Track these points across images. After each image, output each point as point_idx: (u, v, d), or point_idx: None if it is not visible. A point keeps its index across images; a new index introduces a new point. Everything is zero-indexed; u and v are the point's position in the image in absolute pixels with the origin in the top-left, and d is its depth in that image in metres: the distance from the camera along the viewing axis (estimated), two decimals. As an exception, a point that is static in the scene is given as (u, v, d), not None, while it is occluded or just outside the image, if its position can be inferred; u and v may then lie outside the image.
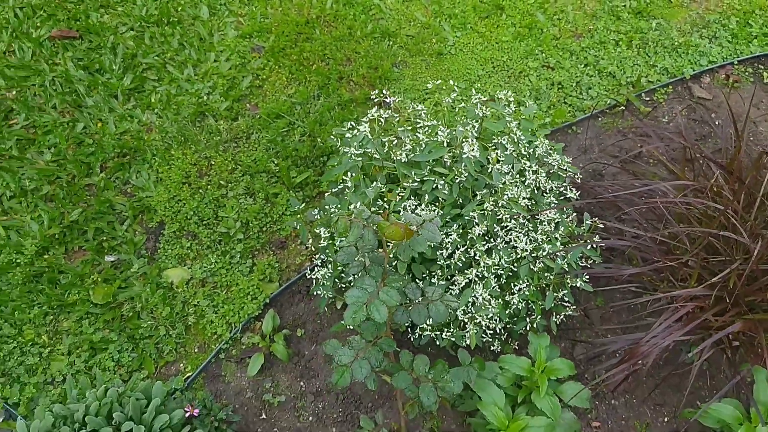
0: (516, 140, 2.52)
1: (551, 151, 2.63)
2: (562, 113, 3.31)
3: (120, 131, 3.21)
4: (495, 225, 2.37)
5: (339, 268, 2.48)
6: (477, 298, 2.29)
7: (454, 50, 3.60)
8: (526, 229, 2.40)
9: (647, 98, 3.46)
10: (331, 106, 3.36)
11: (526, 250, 2.35)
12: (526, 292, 2.39)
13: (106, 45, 3.48)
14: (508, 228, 2.38)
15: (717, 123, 3.39)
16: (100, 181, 3.03)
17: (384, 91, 3.20)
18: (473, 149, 2.33)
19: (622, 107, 3.41)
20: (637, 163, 3.22)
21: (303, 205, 2.68)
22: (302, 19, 3.67)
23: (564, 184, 2.58)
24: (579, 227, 2.52)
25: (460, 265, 2.38)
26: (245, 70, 3.48)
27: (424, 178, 2.44)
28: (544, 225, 2.42)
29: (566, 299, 2.48)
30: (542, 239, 2.39)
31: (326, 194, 2.62)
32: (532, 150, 2.59)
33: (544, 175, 2.52)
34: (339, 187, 2.63)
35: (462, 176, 2.38)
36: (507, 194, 2.35)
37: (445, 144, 2.39)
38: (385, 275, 1.99)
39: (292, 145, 3.20)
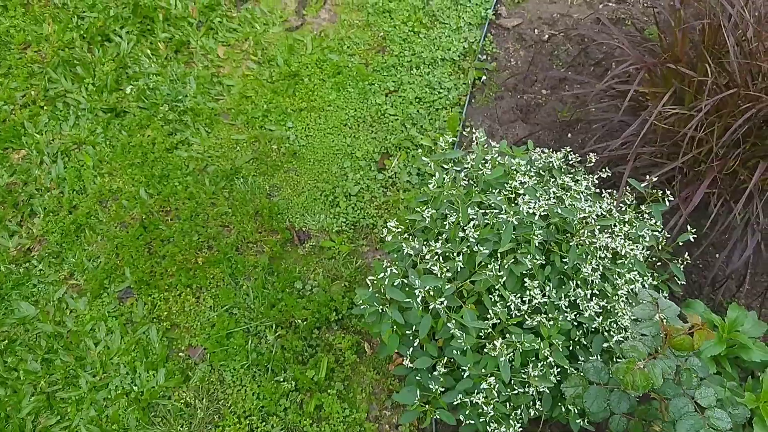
0: (526, 171, 2.30)
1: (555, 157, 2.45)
2: (455, 121, 3.13)
3: None
4: (593, 258, 2.16)
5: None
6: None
7: (303, 140, 3.18)
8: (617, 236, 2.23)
9: (483, 57, 3.43)
10: (263, 282, 2.77)
11: (629, 257, 2.18)
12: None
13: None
14: (605, 248, 2.19)
15: (546, 38, 3.50)
16: None
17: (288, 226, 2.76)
18: (540, 206, 2.07)
19: (479, 78, 3.34)
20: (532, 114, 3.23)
21: (415, 405, 2.15)
22: (134, 229, 2.92)
23: (590, 175, 2.43)
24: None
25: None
26: (140, 323, 2.69)
27: (505, 266, 2.12)
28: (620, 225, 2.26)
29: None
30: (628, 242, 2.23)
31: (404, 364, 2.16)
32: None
33: (572, 178, 2.35)
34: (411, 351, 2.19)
35: (538, 237, 2.10)
36: (593, 219, 2.14)
37: (513, 223, 2.06)
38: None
39: (276, 351, 2.58)
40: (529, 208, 2.07)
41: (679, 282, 2.34)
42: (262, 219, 2.94)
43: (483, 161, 2.33)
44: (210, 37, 3.55)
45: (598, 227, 2.15)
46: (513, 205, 2.16)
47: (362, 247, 2.87)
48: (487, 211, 2.23)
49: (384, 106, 3.25)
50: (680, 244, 2.30)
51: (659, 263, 2.41)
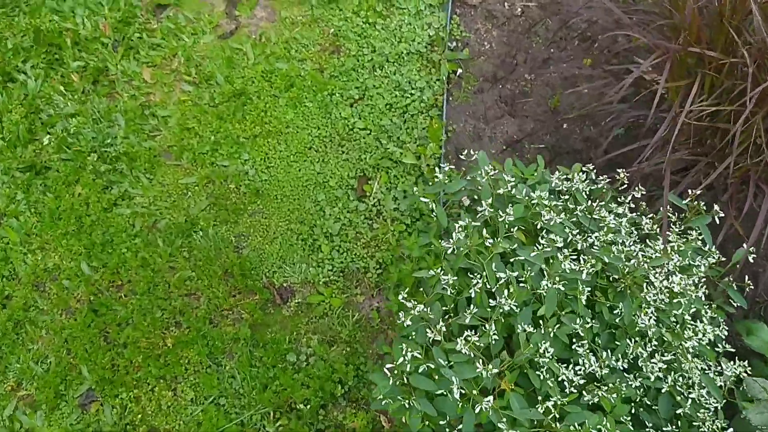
0: (550, 205, 1.93)
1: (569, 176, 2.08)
2: (437, 129, 2.71)
3: None
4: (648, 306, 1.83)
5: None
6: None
7: (264, 174, 2.73)
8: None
9: (453, 44, 2.99)
10: (249, 358, 2.36)
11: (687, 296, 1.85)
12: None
13: None
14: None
15: (519, 12, 3.07)
16: None
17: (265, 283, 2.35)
18: (588, 262, 1.70)
19: (454, 72, 2.91)
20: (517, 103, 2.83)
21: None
22: (82, 315, 2.46)
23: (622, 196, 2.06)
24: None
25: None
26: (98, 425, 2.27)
27: (549, 333, 1.76)
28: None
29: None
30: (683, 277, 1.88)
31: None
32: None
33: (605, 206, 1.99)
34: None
35: (584, 294, 1.75)
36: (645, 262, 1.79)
37: (557, 289, 1.70)
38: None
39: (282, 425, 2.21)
40: (574, 265, 1.71)
41: (735, 305, 2.03)
42: (233, 279, 2.51)
43: (497, 196, 1.95)
44: (131, 59, 3.01)
45: (652, 270, 1.81)
46: (550, 260, 1.79)
47: (356, 296, 2.48)
48: (512, 260, 1.87)
49: (351, 119, 2.81)
50: (738, 266, 1.98)
51: (705, 281, 2.09)
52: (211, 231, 2.60)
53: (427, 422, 1.83)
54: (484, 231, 1.85)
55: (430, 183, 2.55)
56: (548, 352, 1.72)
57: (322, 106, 2.84)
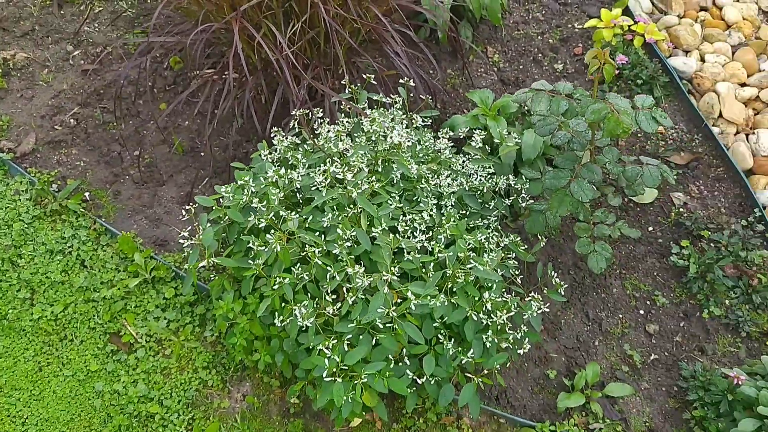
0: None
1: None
2: (126, 242, 2.56)
3: None
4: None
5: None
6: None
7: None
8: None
9: (55, 186, 2.82)
10: None
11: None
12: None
13: None
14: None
15: (73, 122, 3.02)
16: None
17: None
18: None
19: (83, 200, 2.76)
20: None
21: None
22: None
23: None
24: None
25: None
26: None
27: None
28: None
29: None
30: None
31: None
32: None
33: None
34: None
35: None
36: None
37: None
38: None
39: None
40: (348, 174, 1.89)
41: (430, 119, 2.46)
42: None
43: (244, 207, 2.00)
44: None
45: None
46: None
47: (221, 405, 2.29)
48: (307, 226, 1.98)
49: (45, 312, 2.49)
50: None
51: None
52: None
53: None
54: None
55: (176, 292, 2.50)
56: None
57: (6, 333, 2.45)
